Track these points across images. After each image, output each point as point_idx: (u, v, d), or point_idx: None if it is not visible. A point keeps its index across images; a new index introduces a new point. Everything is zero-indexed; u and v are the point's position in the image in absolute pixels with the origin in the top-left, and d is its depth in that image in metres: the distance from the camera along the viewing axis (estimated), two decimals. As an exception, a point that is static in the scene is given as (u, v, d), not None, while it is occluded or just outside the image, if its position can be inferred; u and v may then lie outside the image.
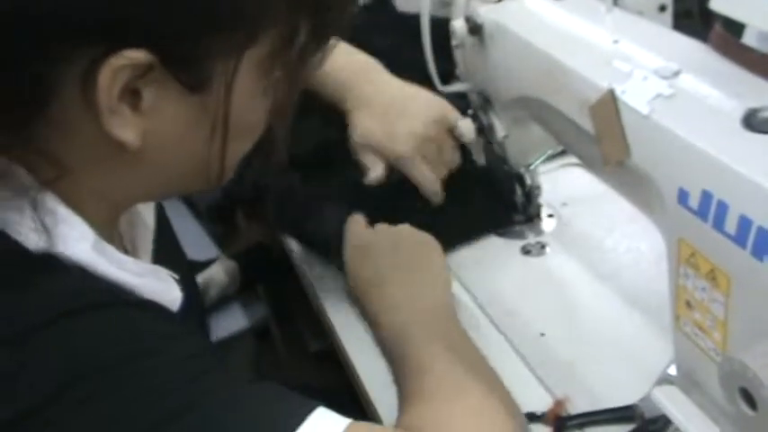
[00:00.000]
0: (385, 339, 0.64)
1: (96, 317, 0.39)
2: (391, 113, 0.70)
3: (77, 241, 0.40)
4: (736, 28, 0.43)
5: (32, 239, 0.39)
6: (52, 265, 0.39)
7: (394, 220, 0.72)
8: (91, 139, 0.40)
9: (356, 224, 0.72)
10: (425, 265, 0.67)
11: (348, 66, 0.72)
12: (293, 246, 0.85)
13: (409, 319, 0.62)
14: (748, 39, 0.42)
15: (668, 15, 0.57)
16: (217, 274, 1.11)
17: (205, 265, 1.08)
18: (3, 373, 0.36)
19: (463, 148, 0.75)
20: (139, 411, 0.37)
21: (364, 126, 0.70)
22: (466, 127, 0.69)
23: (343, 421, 0.40)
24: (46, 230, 0.39)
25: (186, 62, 0.39)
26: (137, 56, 0.37)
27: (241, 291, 1.37)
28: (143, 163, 0.43)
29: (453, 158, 0.73)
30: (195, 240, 1.16)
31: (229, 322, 1.09)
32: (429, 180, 0.72)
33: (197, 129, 0.42)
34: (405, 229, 0.70)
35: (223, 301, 1.15)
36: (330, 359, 0.73)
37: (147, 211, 0.56)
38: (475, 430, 0.48)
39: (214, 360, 0.41)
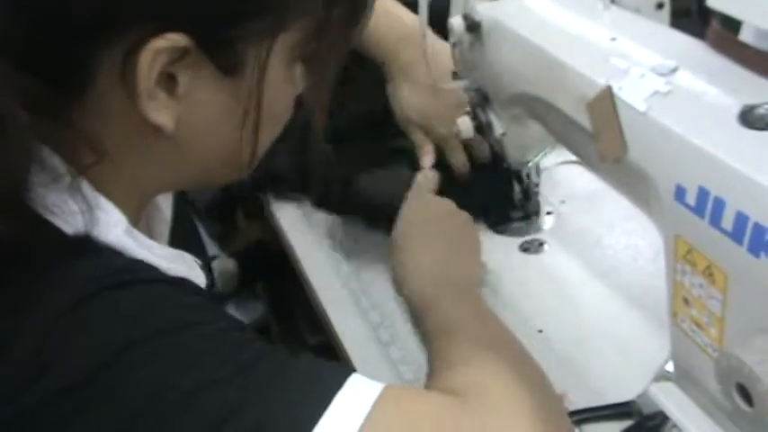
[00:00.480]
0: (414, 303, 0.64)
1: (141, 290, 0.40)
2: (432, 91, 0.73)
3: (112, 226, 0.42)
4: (732, 25, 0.43)
5: (70, 224, 0.40)
6: (91, 248, 0.40)
7: None
8: (126, 125, 0.42)
9: (424, 178, 0.74)
10: (465, 245, 0.68)
11: (391, 32, 0.75)
12: (293, 242, 0.85)
13: (441, 290, 0.62)
14: (745, 36, 0.42)
15: (666, 13, 0.57)
16: (216, 271, 1.11)
17: (204, 263, 1.08)
18: (52, 344, 0.36)
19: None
20: (192, 374, 0.37)
21: (408, 103, 0.75)
22: (464, 124, 0.69)
23: (379, 385, 0.41)
24: (83, 215, 0.40)
25: (221, 45, 0.41)
26: (176, 38, 0.38)
27: (240, 288, 1.37)
28: (175, 149, 0.44)
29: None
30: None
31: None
32: (462, 161, 0.77)
33: (229, 114, 0.44)
34: (450, 204, 0.72)
35: (222, 299, 1.15)
36: (328, 353, 0.74)
37: (165, 205, 0.57)
38: (505, 392, 0.47)
39: (253, 333, 0.42)
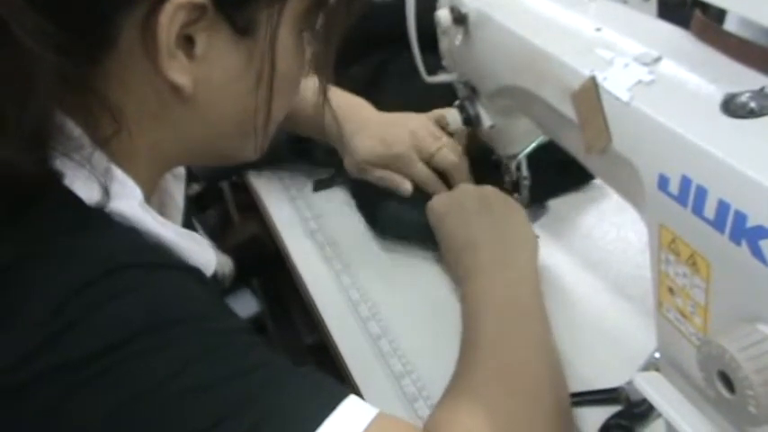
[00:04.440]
0: (464, 309, 0.63)
1: (159, 275, 0.41)
2: (384, 128, 0.78)
3: (128, 198, 0.43)
4: (717, 15, 0.43)
5: (87, 193, 0.41)
6: (108, 221, 0.41)
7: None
8: (146, 89, 0.43)
9: (437, 198, 0.74)
10: (514, 226, 0.68)
11: (342, 103, 0.80)
12: (287, 240, 0.85)
13: (488, 290, 0.62)
14: (729, 25, 0.42)
15: (653, 4, 0.57)
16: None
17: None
18: (65, 316, 0.36)
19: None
20: (194, 370, 0.38)
21: (364, 146, 0.78)
22: (452, 116, 0.69)
23: (372, 411, 0.41)
24: (101, 187, 0.41)
25: (236, 5, 0.42)
26: None
27: (235, 285, 1.37)
28: (192, 113, 0.45)
29: (453, 146, 0.78)
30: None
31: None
32: (424, 174, 0.77)
33: (244, 76, 0.46)
34: (489, 189, 0.72)
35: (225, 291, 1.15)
36: (325, 352, 0.74)
37: (178, 193, 0.58)
38: None
39: (257, 336, 0.43)
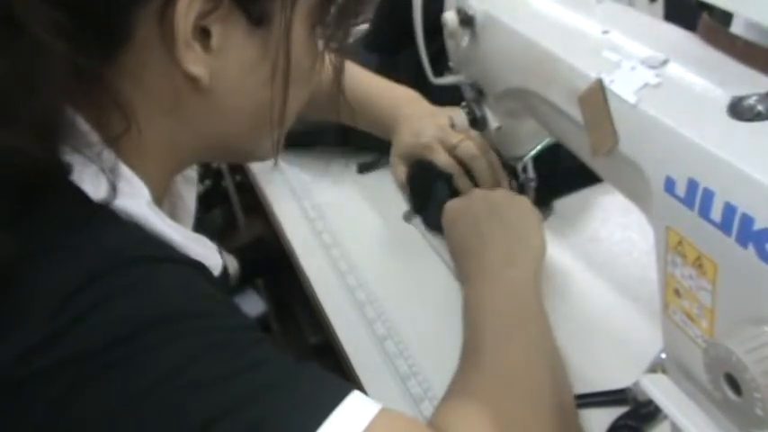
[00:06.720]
0: (465, 310, 0.64)
1: (168, 269, 0.41)
2: (418, 121, 0.82)
3: (135, 197, 0.43)
4: (723, 17, 0.43)
5: (94, 189, 0.41)
6: (115, 217, 0.41)
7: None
8: (162, 83, 0.43)
9: (451, 203, 0.75)
10: (522, 230, 0.68)
11: (402, 95, 0.86)
12: (293, 240, 0.85)
13: (490, 291, 0.62)
14: (736, 28, 0.42)
15: (659, 6, 0.57)
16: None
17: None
18: (62, 319, 0.36)
19: None
20: (201, 365, 0.38)
21: (399, 140, 0.83)
22: (458, 119, 0.70)
23: (376, 406, 0.41)
24: (108, 183, 0.41)
25: None
26: None
27: (241, 285, 1.37)
28: (208, 107, 0.46)
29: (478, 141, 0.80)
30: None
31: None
32: (444, 162, 0.79)
33: (259, 69, 0.46)
34: (500, 192, 0.72)
35: (232, 290, 1.15)
36: (330, 352, 0.74)
37: (189, 196, 0.58)
38: None
39: (261, 333, 0.43)
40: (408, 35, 0.67)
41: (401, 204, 0.87)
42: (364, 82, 0.88)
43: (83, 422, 0.36)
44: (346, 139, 0.95)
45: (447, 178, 0.79)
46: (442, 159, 0.79)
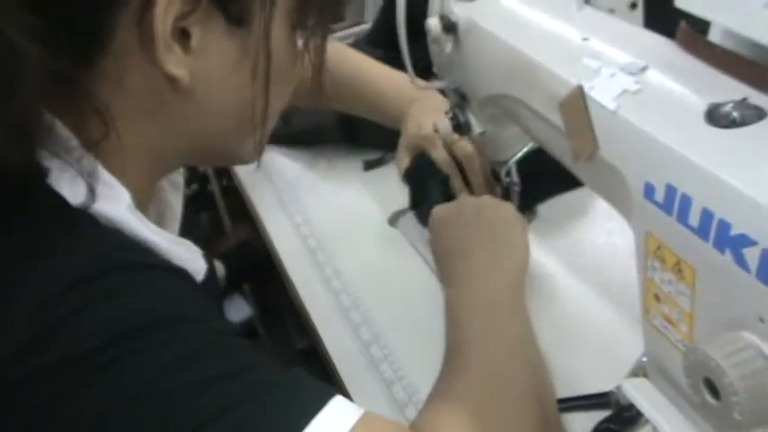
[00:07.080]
0: (447, 313, 0.64)
1: (150, 275, 0.41)
2: (423, 114, 0.82)
3: (115, 201, 0.43)
4: (701, 26, 0.43)
5: (72, 193, 0.41)
6: (95, 222, 0.41)
7: None
8: (141, 87, 0.43)
9: (438, 208, 0.76)
10: (507, 235, 0.68)
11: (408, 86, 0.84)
12: (278, 244, 0.85)
13: (471, 293, 0.62)
14: (713, 36, 0.43)
15: (639, 13, 0.58)
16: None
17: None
18: (48, 321, 0.36)
19: None
20: (184, 371, 0.38)
21: (405, 131, 0.83)
22: (442, 124, 0.70)
23: (358, 411, 0.41)
24: (87, 188, 0.41)
25: None
26: None
27: (227, 290, 1.37)
28: (189, 108, 0.45)
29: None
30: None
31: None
32: (442, 157, 0.79)
33: (240, 69, 0.46)
34: (485, 199, 0.73)
35: (219, 295, 1.15)
36: (316, 357, 0.74)
37: (175, 202, 0.58)
38: None
39: (245, 339, 0.43)
40: (411, 31, 0.68)
41: (386, 210, 0.87)
42: (382, 74, 0.88)
43: (74, 424, 0.36)
44: (335, 138, 0.96)
45: (442, 179, 0.79)
46: (440, 154, 0.79)
